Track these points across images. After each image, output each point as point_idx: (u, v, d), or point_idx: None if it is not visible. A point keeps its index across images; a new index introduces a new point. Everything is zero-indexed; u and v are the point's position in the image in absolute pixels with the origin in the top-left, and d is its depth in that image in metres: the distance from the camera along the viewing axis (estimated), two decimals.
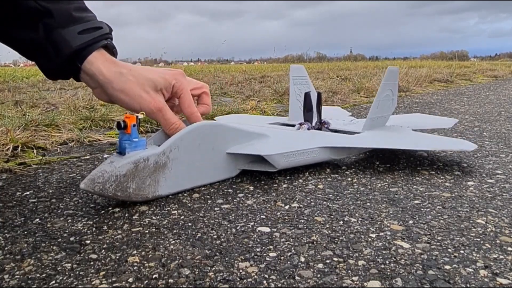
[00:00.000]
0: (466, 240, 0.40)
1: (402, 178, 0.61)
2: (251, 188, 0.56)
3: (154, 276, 0.34)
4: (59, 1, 0.48)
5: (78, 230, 0.42)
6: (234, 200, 0.51)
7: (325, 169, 0.65)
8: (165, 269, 0.35)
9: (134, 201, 0.49)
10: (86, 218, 0.45)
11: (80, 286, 0.32)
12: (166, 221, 0.45)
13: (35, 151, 0.78)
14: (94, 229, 0.43)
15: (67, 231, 0.42)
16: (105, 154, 0.78)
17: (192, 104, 0.56)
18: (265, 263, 0.35)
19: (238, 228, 0.43)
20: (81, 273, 0.34)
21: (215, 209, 0.48)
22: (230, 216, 0.46)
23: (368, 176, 0.62)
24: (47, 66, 0.50)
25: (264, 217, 0.46)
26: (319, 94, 0.79)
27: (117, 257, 0.37)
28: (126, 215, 0.46)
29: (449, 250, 0.38)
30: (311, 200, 0.51)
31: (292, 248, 0.38)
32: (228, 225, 0.44)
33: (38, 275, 0.34)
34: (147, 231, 0.42)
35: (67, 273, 0.34)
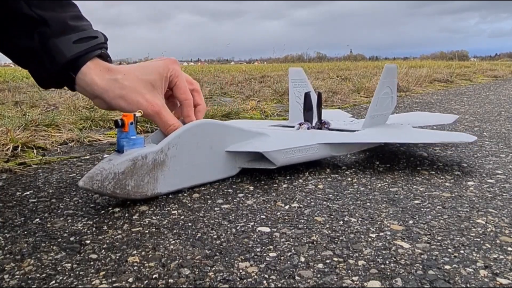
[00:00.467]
0: (466, 240, 0.40)
1: (402, 178, 0.61)
2: (251, 188, 0.56)
3: (154, 276, 0.34)
4: (54, 9, 0.47)
5: (78, 230, 0.42)
6: (234, 200, 0.51)
7: (325, 169, 0.65)
8: (165, 269, 0.35)
9: (133, 198, 0.49)
10: (86, 218, 0.45)
11: (80, 286, 0.32)
12: (166, 221, 0.45)
13: (35, 151, 0.78)
14: (94, 229, 0.43)
15: (67, 231, 0.42)
16: (105, 154, 0.78)
17: (187, 90, 0.55)
18: (265, 263, 0.35)
19: (238, 228, 0.43)
20: (81, 273, 0.34)
21: (215, 209, 0.48)
22: (230, 216, 0.46)
23: (368, 176, 0.62)
24: (41, 74, 0.50)
25: (264, 217, 0.46)
26: (319, 94, 0.79)
27: (117, 257, 0.37)
28: (126, 215, 0.46)
29: (449, 250, 0.38)
30: (311, 200, 0.51)
31: (292, 248, 0.38)
32: (228, 225, 0.44)
33: (38, 275, 0.34)
34: (147, 231, 0.42)
35: (67, 273, 0.34)
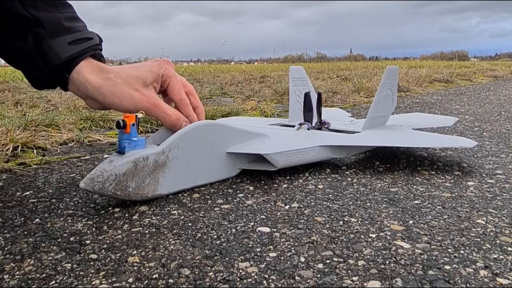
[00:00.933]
0: (466, 240, 0.40)
1: (402, 178, 0.61)
2: (251, 188, 0.56)
3: (154, 276, 0.34)
4: (49, 10, 0.47)
5: (78, 230, 0.42)
6: (234, 200, 0.51)
7: (325, 169, 0.65)
8: (165, 269, 0.35)
9: (133, 200, 0.49)
10: (86, 218, 0.45)
11: (80, 286, 0.32)
12: (166, 221, 0.45)
13: (35, 151, 0.78)
14: (94, 229, 0.43)
15: (67, 231, 0.42)
16: (105, 154, 0.78)
17: (182, 91, 0.55)
18: (265, 263, 0.35)
19: (238, 228, 0.43)
20: (81, 273, 0.34)
21: (215, 209, 0.48)
22: (230, 216, 0.46)
23: (368, 176, 0.62)
24: (34, 75, 0.49)
25: (264, 217, 0.46)
26: (319, 94, 0.79)
27: (117, 257, 0.37)
28: (126, 215, 0.46)
29: (449, 250, 0.38)
30: (311, 200, 0.51)
31: (292, 248, 0.38)
32: (228, 225, 0.44)
33: (38, 275, 0.34)
34: (147, 231, 0.42)
35: (67, 273, 0.34)
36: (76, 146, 0.85)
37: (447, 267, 0.35)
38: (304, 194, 0.54)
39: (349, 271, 0.34)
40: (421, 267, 0.35)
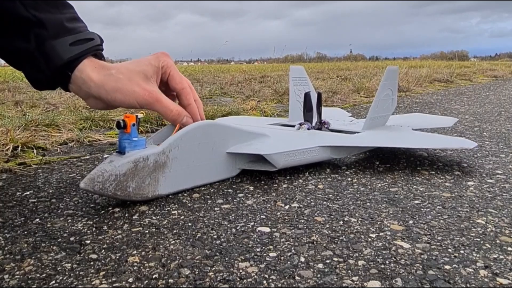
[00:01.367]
0: (466, 240, 0.40)
1: (402, 178, 0.61)
2: (251, 188, 0.56)
3: (154, 276, 0.34)
4: (51, 11, 0.47)
5: (78, 230, 0.42)
6: (234, 200, 0.51)
7: (325, 169, 0.65)
8: (165, 269, 0.35)
9: (134, 200, 0.49)
10: (86, 218, 0.45)
11: (80, 286, 0.32)
12: (166, 221, 0.45)
13: (35, 151, 0.78)
14: (94, 229, 0.43)
15: (67, 231, 0.42)
16: (105, 154, 0.78)
17: (183, 79, 0.55)
18: (265, 263, 0.35)
19: (238, 228, 0.43)
20: (81, 273, 0.34)
21: (215, 209, 0.48)
22: (230, 216, 0.46)
23: (368, 176, 0.62)
24: (36, 76, 0.49)
25: (264, 217, 0.46)
26: (319, 94, 0.79)
27: (117, 257, 0.37)
28: (126, 215, 0.46)
29: (449, 250, 0.38)
30: (311, 200, 0.51)
31: (292, 248, 0.38)
32: (228, 225, 0.44)
33: (38, 275, 0.34)
34: (147, 231, 0.42)
35: (67, 273, 0.34)
36: (76, 146, 0.85)
37: (447, 267, 0.35)
38: (304, 194, 0.54)
39: (349, 271, 0.34)
40: (421, 267, 0.35)
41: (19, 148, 0.77)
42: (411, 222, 0.44)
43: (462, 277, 0.33)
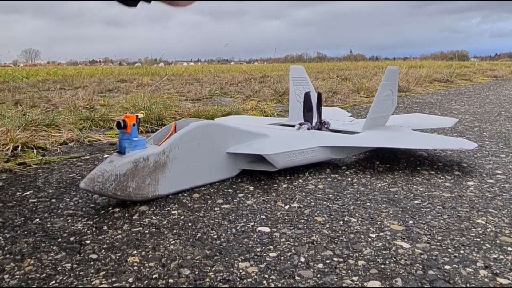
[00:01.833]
0: (466, 240, 0.40)
1: (402, 178, 0.61)
2: (251, 188, 0.56)
3: (154, 276, 0.34)
4: None
5: (78, 230, 0.42)
6: (234, 200, 0.51)
7: (325, 169, 0.65)
8: (165, 269, 0.35)
9: (134, 200, 0.49)
10: (86, 218, 0.45)
11: (80, 286, 0.32)
12: (166, 221, 0.45)
13: (35, 151, 0.78)
14: (94, 229, 0.43)
15: (67, 231, 0.42)
16: (105, 154, 0.78)
17: None
18: (265, 263, 0.35)
19: (238, 228, 0.43)
20: (81, 273, 0.34)
21: (215, 209, 0.48)
22: (230, 216, 0.46)
23: (368, 176, 0.62)
24: None
25: (264, 217, 0.46)
26: (319, 94, 0.79)
27: (117, 257, 0.37)
28: (126, 215, 0.46)
29: (449, 250, 0.38)
30: (311, 200, 0.51)
31: (292, 248, 0.38)
32: (228, 225, 0.44)
33: (38, 275, 0.34)
34: (147, 231, 0.42)
35: (67, 273, 0.34)
36: (76, 146, 0.85)
37: (447, 267, 0.35)
38: (304, 194, 0.54)
39: (349, 271, 0.34)
40: (421, 267, 0.35)
41: (19, 148, 0.77)
42: (411, 222, 0.44)
43: (462, 277, 0.33)
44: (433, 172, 0.64)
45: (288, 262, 0.36)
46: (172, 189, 0.52)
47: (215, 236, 0.41)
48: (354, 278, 0.33)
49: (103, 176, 0.45)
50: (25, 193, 0.54)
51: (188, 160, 0.53)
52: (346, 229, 0.43)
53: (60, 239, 0.40)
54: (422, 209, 0.48)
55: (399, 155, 0.75)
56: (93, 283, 0.32)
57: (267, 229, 0.42)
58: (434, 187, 0.56)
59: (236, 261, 0.36)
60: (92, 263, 0.36)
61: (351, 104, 1.66)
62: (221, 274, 0.34)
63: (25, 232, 0.42)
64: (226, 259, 0.36)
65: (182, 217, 0.46)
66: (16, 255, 0.37)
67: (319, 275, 0.33)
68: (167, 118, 1.11)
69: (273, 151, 0.58)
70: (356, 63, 6.00)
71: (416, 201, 0.51)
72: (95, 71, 4.01)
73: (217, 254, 0.37)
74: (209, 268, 0.35)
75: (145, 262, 0.36)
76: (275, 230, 0.42)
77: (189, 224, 0.44)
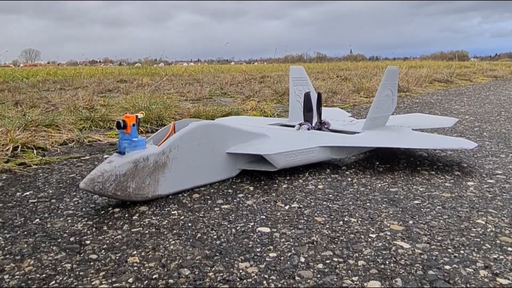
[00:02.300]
0: (466, 240, 0.40)
1: (402, 178, 0.61)
2: (251, 188, 0.56)
3: (154, 276, 0.34)
4: None
5: (78, 230, 0.42)
6: (234, 200, 0.51)
7: (325, 169, 0.65)
8: (165, 269, 0.35)
9: (134, 200, 0.49)
10: (86, 218, 0.45)
11: (80, 286, 0.32)
12: (166, 221, 0.45)
13: (35, 151, 0.78)
14: (94, 229, 0.43)
15: (67, 231, 0.42)
16: (105, 155, 0.78)
17: None
18: (265, 263, 0.35)
19: (238, 228, 0.43)
20: (81, 273, 0.34)
21: (215, 209, 0.48)
22: (230, 216, 0.46)
23: (368, 176, 0.62)
24: None
25: (264, 217, 0.46)
26: (319, 95, 0.80)
27: (117, 257, 0.37)
28: (126, 215, 0.46)
29: (449, 250, 0.38)
30: (311, 200, 0.51)
31: (292, 248, 0.38)
32: (228, 225, 0.44)
33: (38, 275, 0.34)
34: (147, 231, 0.42)
35: (67, 273, 0.34)
36: (76, 146, 0.85)
37: (447, 267, 0.35)
38: (304, 194, 0.54)
39: (349, 271, 0.34)
40: (421, 267, 0.35)
41: (19, 148, 0.77)
42: (411, 222, 0.44)
43: (462, 277, 0.33)
44: (433, 172, 0.64)
45: (288, 262, 0.36)
46: (172, 189, 0.52)
47: (215, 236, 0.41)
48: (354, 278, 0.33)
49: (103, 176, 0.45)
50: (25, 194, 0.54)
51: (188, 160, 0.53)
52: (346, 229, 0.43)
53: (60, 239, 0.40)
54: (422, 209, 0.48)
55: (399, 155, 0.75)
56: (93, 283, 0.32)
57: (267, 229, 0.42)
58: (434, 187, 0.56)
59: (236, 261, 0.36)
60: (92, 263, 0.36)
61: (351, 104, 1.66)
62: (221, 274, 0.34)
63: (25, 233, 0.42)
64: (226, 259, 0.36)
65: (182, 217, 0.46)
66: (16, 255, 0.37)
67: (319, 275, 0.33)
68: (167, 118, 1.11)
69: (273, 151, 0.58)
70: (356, 63, 6.00)
71: (416, 201, 0.51)
72: (95, 71, 4.01)
73: (217, 254, 0.37)
74: (209, 268, 0.35)
75: (145, 262, 0.36)
76: (275, 230, 0.42)
77: (189, 224, 0.44)
